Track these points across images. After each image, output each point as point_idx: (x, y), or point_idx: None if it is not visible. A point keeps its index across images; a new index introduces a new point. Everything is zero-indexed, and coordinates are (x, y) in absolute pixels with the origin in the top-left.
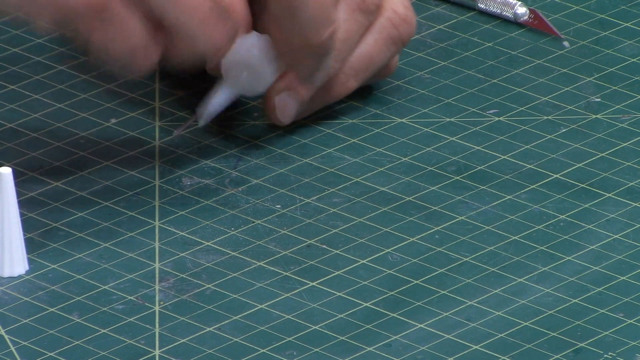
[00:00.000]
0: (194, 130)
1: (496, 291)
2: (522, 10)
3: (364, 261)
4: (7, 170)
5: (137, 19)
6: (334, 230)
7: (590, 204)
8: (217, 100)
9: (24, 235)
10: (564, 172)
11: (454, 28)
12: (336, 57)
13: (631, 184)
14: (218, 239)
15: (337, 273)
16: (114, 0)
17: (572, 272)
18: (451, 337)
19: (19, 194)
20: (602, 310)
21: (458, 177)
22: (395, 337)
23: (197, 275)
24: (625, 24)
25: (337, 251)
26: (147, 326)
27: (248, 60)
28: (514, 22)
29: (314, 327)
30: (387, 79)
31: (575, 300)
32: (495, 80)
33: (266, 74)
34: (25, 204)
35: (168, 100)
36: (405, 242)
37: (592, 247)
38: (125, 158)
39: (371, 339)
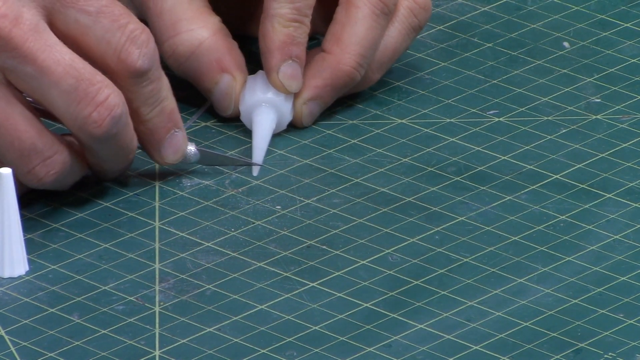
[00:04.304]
0: (193, 131)
1: (496, 291)
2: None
3: (364, 262)
4: (7, 171)
5: (23, 116)
6: (334, 231)
7: (591, 204)
8: (259, 142)
9: (24, 235)
10: (564, 172)
11: (454, 29)
12: (363, 63)
13: (631, 184)
14: (218, 239)
15: (337, 274)
16: None
17: (572, 273)
18: (451, 338)
19: (19, 194)
20: (602, 311)
21: (458, 178)
22: (395, 338)
23: (197, 275)
24: (625, 25)
25: (337, 252)
26: (147, 327)
27: (267, 101)
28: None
29: (314, 328)
30: (387, 79)
31: (576, 301)
32: (495, 81)
33: (287, 109)
34: (25, 204)
35: None
36: (406, 243)
37: (592, 248)
38: None
39: (371, 340)
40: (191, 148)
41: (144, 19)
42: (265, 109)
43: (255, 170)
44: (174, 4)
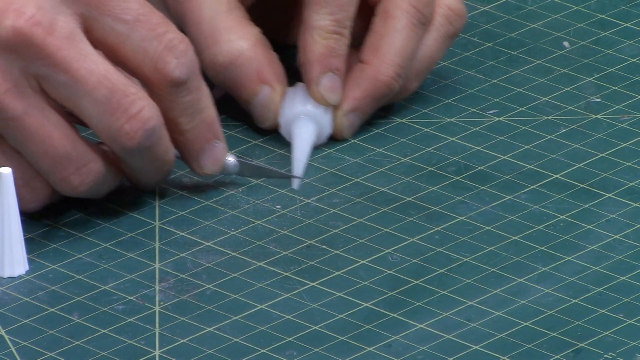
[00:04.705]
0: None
1: (496, 291)
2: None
3: (364, 261)
4: (7, 171)
5: (7, 157)
6: (334, 231)
7: (590, 204)
8: (299, 155)
9: (24, 235)
10: (564, 172)
11: None
12: (401, 73)
13: (631, 184)
14: (218, 239)
15: (337, 273)
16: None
17: (572, 272)
18: (451, 337)
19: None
20: (602, 310)
21: (458, 178)
22: (395, 337)
23: (197, 275)
24: (625, 24)
25: (337, 251)
26: (147, 326)
27: (307, 113)
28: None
29: (314, 328)
30: None
31: (575, 301)
32: (495, 80)
33: (327, 122)
34: None
35: None
36: (405, 243)
37: (592, 248)
38: None
39: (371, 339)
40: (230, 159)
41: (182, 29)
42: (304, 122)
43: (296, 183)
44: (213, 13)
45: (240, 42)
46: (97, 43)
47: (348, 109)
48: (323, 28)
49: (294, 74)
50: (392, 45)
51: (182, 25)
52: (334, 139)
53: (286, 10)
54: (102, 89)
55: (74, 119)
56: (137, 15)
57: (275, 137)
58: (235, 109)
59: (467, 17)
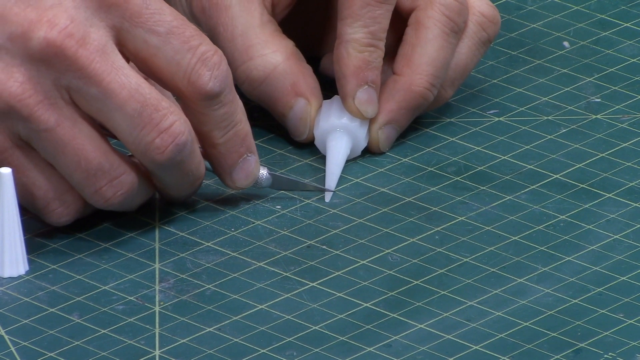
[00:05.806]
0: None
1: (496, 291)
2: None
3: (364, 262)
4: (7, 170)
5: (39, 169)
6: (334, 231)
7: (590, 204)
8: (332, 167)
9: (24, 235)
10: (564, 172)
11: None
12: (435, 83)
13: (631, 184)
14: (218, 239)
15: (337, 273)
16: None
17: (572, 273)
18: (451, 337)
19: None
20: (602, 311)
21: (458, 178)
22: (395, 338)
23: (197, 275)
24: (625, 24)
25: (337, 252)
26: (147, 326)
27: (342, 126)
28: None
29: (314, 328)
30: None
31: (575, 301)
32: (495, 81)
33: (362, 135)
34: None
35: None
36: (406, 243)
37: (592, 248)
38: None
39: (371, 339)
40: (263, 172)
41: (214, 43)
42: (339, 135)
43: (328, 197)
44: (245, 28)
45: (274, 55)
46: (130, 55)
47: (383, 122)
48: (358, 41)
49: (327, 88)
50: (425, 56)
51: (214, 39)
52: (368, 152)
53: (319, 23)
54: (133, 102)
55: (105, 132)
56: (171, 27)
57: (274, 137)
58: (264, 119)
59: (500, 21)
